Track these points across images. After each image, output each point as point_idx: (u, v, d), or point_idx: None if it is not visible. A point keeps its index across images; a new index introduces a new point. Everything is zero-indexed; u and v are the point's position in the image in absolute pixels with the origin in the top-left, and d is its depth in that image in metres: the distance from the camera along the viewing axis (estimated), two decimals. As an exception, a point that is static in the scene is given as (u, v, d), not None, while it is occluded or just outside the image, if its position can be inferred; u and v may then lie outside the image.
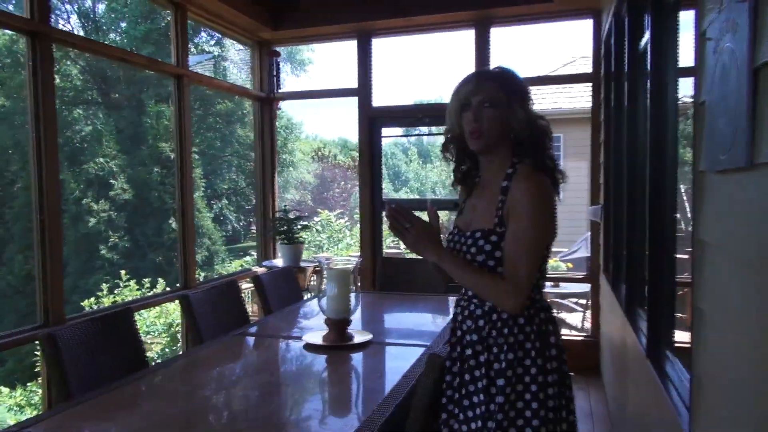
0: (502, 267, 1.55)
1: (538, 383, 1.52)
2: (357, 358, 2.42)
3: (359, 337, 2.55)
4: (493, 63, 4.63)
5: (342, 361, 2.40)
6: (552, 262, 7.37)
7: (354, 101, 4.86)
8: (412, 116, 4.87)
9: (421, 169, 13.43)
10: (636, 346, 2.29)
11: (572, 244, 7.93)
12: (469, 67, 4.67)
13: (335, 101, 5.07)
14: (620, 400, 2.99)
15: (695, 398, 1.32)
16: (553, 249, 6.71)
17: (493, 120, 1.58)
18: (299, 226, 4.80)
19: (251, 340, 2.72)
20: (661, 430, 1.73)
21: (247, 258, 9.25)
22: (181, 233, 4.04)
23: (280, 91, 5.10)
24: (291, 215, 4.83)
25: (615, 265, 3.37)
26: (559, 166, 1.62)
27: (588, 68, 4.67)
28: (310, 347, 2.48)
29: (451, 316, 3.04)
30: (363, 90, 4.90)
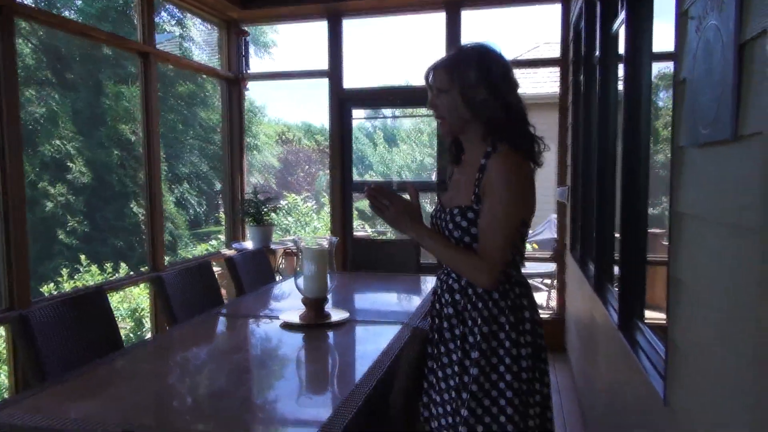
0: (477, 244, 1.59)
1: (511, 356, 1.56)
2: (335, 336, 2.44)
3: (336, 316, 2.57)
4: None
5: (320, 340, 2.41)
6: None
7: (318, 85, 4.82)
8: (383, 98, 4.86)
9: (387, 153, 13.47)
10: (607, 320, 2.37)
11: (537, 225, 8.09)
12: (440, 51, 4.68)
13: (299, 85, 5.04)
14: (588, 373, 3.10)
15: (671, 365, 1.39)
16: (519, 231, 6.63)
17: (447, 106, 1.60)
18: (268, 208, 4.76)
19: (227, 320, 2.70)
20: (635, 398, 1.80)
21: (213, 242, 9.12)
22: (148, 216, 3.96)
23: (248, 71, 5.01)
24: (260, 197, 4.78)
25: (583, 243, 3.46)
26: (538, 142, 1.64)
27: (551, 54, 4.74)
28: (287, 326, 2.49)
29: (424, 295, 3.13)
30: (334, 71, 4.87)
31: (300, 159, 23.27)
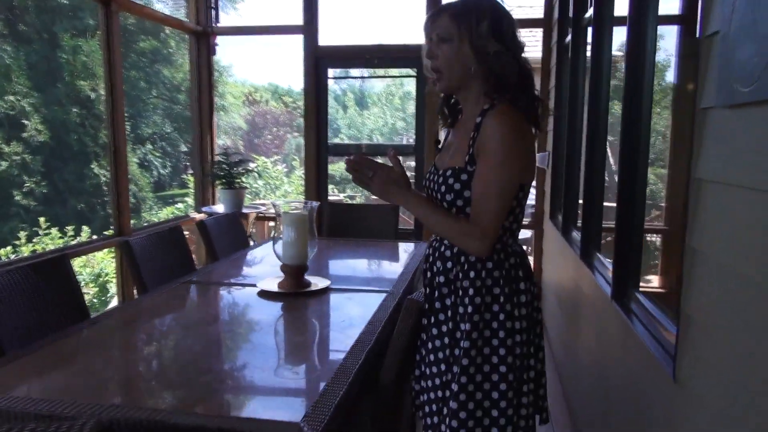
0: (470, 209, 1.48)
1: (505, 329, 1.48)
2: (316, 304, 2.33)
3: (317, 284, 2.46)
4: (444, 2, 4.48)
5: (301, 309, 2.30)
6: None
7: (286, 45, 4.62)
8: (360, 57, 4.67)
9: (358, 116, 13.16)
10: (597, 290, 2.32)
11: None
12: (420, 8, 4.49)
13: (266, 45, 4.77)
14: (570, 344, 3.07)
15: (683, 340, 1.32)
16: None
17: (448, 57, 1.47)
18: (241, 170, 4.57)
19: (200, 288, 2.56)
20: (634, 373, 1.75)
21: (180, 205, 8.84)
22: (113, 177, 3.74)
23: (218, 25, 4.73)
24: (232, 159, 4.58)
25: (567, 210, 3.41)
26: (540, 104, 1.53)
27: (533, 16, 4.61)
28: (265, 294, 2.37)
29: (404, 261, 3.03)
30: (309, 27, 4.64)
31: (267, 121, 22.77)
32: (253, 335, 2.00)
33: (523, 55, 1.51)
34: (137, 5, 3.71)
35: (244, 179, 4.61)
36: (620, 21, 2.50)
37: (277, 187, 8.76)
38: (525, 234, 5.80)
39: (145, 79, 13.67)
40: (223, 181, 4.51)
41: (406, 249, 3.51)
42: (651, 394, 1.53)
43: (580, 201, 3.25)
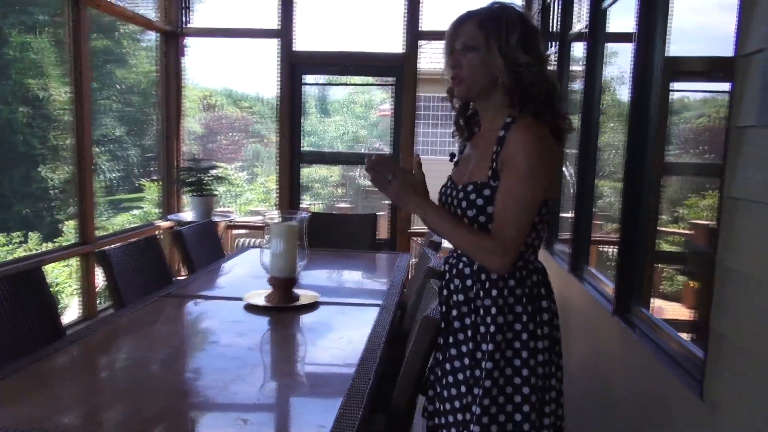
0: (492, 224, 1.44)
1: (528, 349, 1.43)
2: (307, 320, 2.24)
3: (305, 298, 2.37)
4: (423, 13, 4.48)
5: (294, 324, 2.21)
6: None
7: (241, 48, 4.46)
8: (337, 63, 4.60)
9: (319, 123, 12.98)
10: (592, 303, 2.32)
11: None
12: (396, 16, 4.47)
13: (221, 47, 4.61)
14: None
15: (712, 358, 1.31)
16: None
17: (473, 65, 1.42)
18: (211, 177, 4.41)
19: (182, 302, 2.42)
20: (649, 391, 1.74)
21: (135, 212, 8.49)
22: (78, 180, 3.53)
23: (189, 25, 4.57)
24: (202, 164, 4.42)
25: (549, 224, 3.43)
26: (565, 118, 1.50)
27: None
28: (252, 308, 2.26)
29: (390, 273, 2.97)
30: (284, 32, 4.54)
31: (223, 126, 22.32)
32: (249, 356, 1.88)
33: (548, 68, 1.49)
34: (106, 1, 3.53)
35: (214, 187, 4.45)
36: (615, 37, 2.53)
37: (239, 194, 8.53)
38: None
39: (95, 79, 13.14)
40: (193, 188, 4.34)
41: (387, 259, 3.45)
42: (673, 413, 1.52)
43: (561, 214, 3.28)
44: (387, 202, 8.47)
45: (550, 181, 1.45)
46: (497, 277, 1.44)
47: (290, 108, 4.63)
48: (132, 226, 6.57)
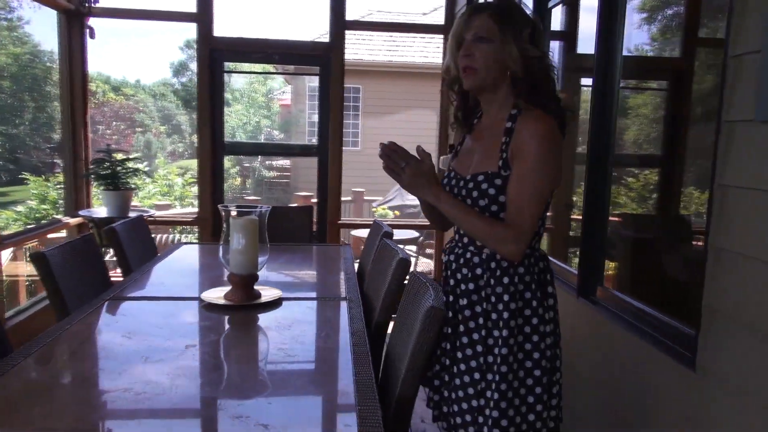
0: (505, 212, 1.48)
1: (539, 333, 1.50)
2: (276, 317, 2.16)
3: (267, 294, 2.29)
4: (353, 4, 4.44)
5: (263, 323, 2.12)
6: (380, 210, 7.57)
7: (120, 32, 4.19)
8: (260, 52, 4.43)
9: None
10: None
11: (387, 192, 8.25)
12: (324, 7, 4.39)
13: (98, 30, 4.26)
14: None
15: (705, 330, 1.44)
16: (369, 198, 6.94)
17: (486, 56, 1.45)
18: (128, 169, 4.10)
19: (135, 304, 2.24)
20: (625, 366, 1.86)
21: (20, 208, 7.66)
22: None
23: (95, 4, 4.18)
24: (118, 155, 4.09)
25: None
26: (565, 111, 1.57)
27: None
28: (212, 308, 2.15)
29: (341, 265, 2.94)
30: (203, 16, 4.29)
31: (106, 114, 20.74)
32: (226, 359, 1.79)
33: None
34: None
35: (131, 180, 4.14)
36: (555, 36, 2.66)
37: (140, 187, 8.01)
38: (412, 233, 5.97)
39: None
40: (107, 181, 4.00)
41: (331, 252, 3.41)
42: (665, 385, 1.64)
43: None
44: (302, 193, 8.38)
45: (558, 171, 1.51)
46: (507, 265, 1.49)
47: (210, 98, 4.41)
48: (31, 226, 5.94)
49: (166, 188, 8.74)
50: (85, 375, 1.61)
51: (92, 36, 4.10)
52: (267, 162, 12.26)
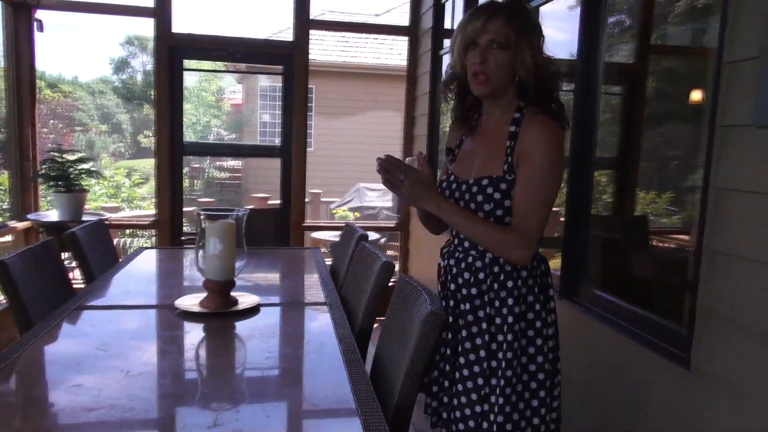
0: (510, 216, 1.48)
1: (542, 336, 1.51)
2: (257, 324, 2.08)
3: (245, 301, 2.20)
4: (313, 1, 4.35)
5: (242, 330, 2.03)
6: (341, 212, 7.49)
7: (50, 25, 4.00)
8: (222, 49, 4.30)
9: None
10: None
11: (344, 194, 8.18)
12: (288, 5, 4.30)
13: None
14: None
15: (699, 330, 1.47)
16: (325, 199, 6.88)
17: (501, 63, 1.44)
18: (81, 170, 3.89)
19: (103, 315, 2.12)
20: (618, 369, 1.89)
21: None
22: None
23: (45, -4, 3.96)
24: (70, 155, 3.88)
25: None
26: (564, 113, 1.58)
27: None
28: (186, 316, 2.06)
29: (314, 269, 2.88)
30: (160, 10, 4.13)
31: (42, 113, 19.77)
32: (217, 368, 1.71)
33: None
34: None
35: (84, 181, 3.93)
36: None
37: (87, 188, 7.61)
38: (373, 235, 5.93)
39: None
40: (59, 183, 3.79)
41: (302, 255, 3.34)
42: (656, 385, 1.67)
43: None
44: (258, 195, 8.20)
45: (561, 175, 1.51)
46: (511, 269, 1.48)
47: (170, 97, 4.25)
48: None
49: (113, 190, 8.37)
50: (63, 392, 1.50)
51: (41, 29, 3.88)
52: (218, 162, 11.96)
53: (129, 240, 6.32)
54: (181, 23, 4.23)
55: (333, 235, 6.27)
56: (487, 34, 1.43)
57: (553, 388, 1.52)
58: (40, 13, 3.99)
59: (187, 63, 4.30)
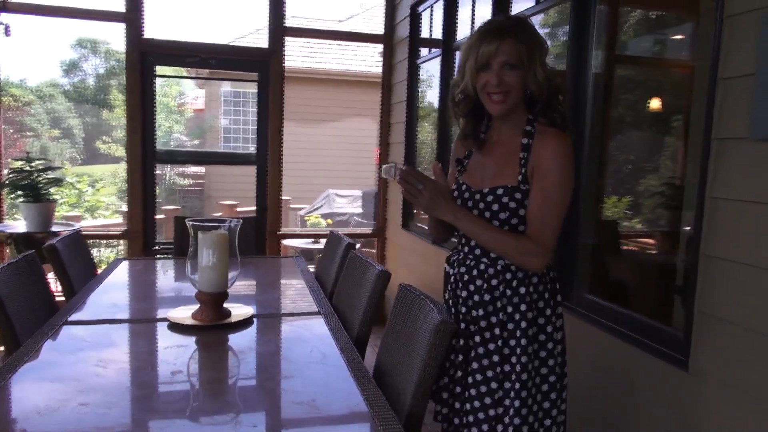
0: (524, 225, 1.52)
1: (554, 340, 1.56)
2: (254, 336, 2.07)
3: (238, 313, 2.17)
4: (288, 8, 4.34)
5: (238, 342, 2.01)
6: (314, 219, 7.44)
7: None
8: (196, 56, 4.24)
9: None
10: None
11: (314, 200, 8.14)
12: (263, 11, 4.28)
13: None
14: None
15: (697, 334, 1.54)
16: (294, 206, 6.85)
17: (516, 83, 1.49)
18: (50, 179, 3.77)
19: (93, 330, 2.05)
20: (617, 374, 1.95)
21: None
22: None
23: (12, 0, 3.82)
24: (37, 164, 3.75)
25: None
26: (569, 123, 1.63)
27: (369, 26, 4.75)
28: (178, 329, 2.02)
29: (300, 277, 2.86)
30: (132, 15, 4.05)
31: (-8, 118, 18.97)
32: (222, 383, 1.68)
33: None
34: None
35: (53, 191, 3.80)
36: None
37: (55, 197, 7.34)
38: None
39: None
40: (27, 192, 3.66)
41: (287, 264, 3.31)
42: (658, 387, 1.73)
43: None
44: (226, 202, 8.06)
45: (573, 185, 1.56)
46: (523, 275, 1.52)
47: (141, 102, 4.16)
48: None
49: (75, 198, 8.09)
50: (68, 413, 1.45)
51: (7, 33, 3.74)
52: (180, 169, 11.72)
53: (95, 251, 6.12)
54: (153, 29, 4.15)
55: (304, 243, 6.22)
56: (501, 57, 1.47)
57: (562, 390, 1.57)
58: (5, 17, 3.84)
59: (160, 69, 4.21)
